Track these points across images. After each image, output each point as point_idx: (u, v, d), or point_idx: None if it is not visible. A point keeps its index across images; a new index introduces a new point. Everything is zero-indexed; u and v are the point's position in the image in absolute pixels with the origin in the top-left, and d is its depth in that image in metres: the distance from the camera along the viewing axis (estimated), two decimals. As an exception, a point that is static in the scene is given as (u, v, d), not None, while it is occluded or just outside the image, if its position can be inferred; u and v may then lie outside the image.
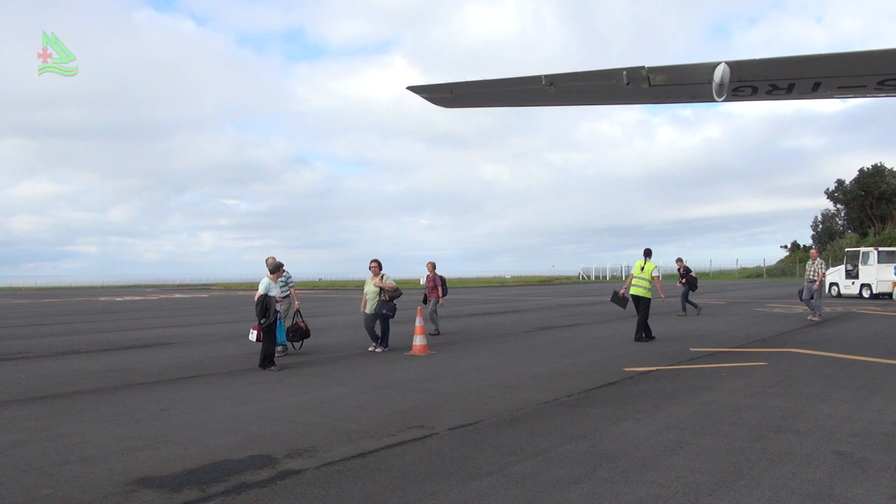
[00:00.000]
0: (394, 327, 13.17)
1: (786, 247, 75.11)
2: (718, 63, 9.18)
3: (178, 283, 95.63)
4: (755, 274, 68.35)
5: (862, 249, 30.22)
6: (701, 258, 79.12)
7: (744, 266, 73.36)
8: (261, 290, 10.38)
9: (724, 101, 10.18)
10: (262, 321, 10.23)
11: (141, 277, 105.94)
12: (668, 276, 37.32)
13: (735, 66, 9.12)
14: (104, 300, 41.54)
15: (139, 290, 66.85)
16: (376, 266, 12.53)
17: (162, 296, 49.65)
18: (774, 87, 9.90)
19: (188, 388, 8.80)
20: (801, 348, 11.82)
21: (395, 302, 12.37)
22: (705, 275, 75.60)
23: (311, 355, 11.87)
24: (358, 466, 5.09)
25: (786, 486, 4.50)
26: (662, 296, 14.11)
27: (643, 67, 9.57)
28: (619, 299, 15.13)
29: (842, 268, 30.65)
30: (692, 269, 22.81)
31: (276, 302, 10.47)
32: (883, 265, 28.22)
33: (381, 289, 12.20)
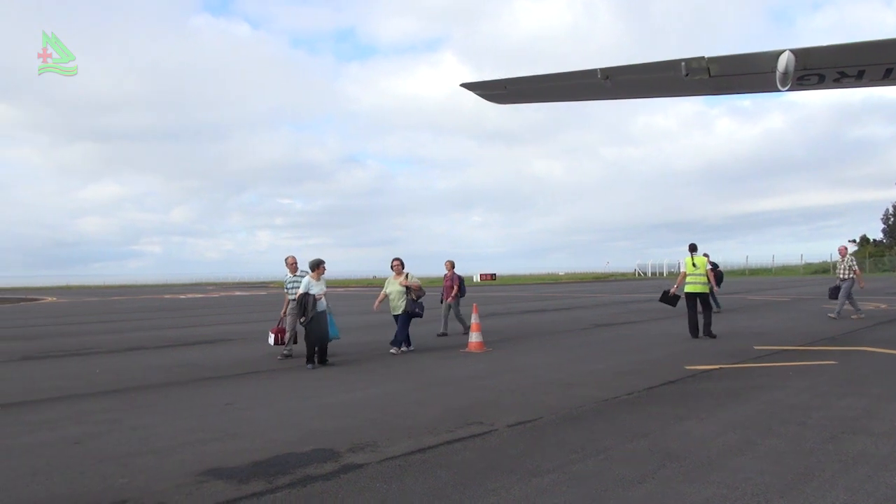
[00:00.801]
0: (422, 326, 13.02)
1: (854, 241, 72.14)
2: (783, 51, 8.89)
3: (237, 280, 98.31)
4: (821, 269, 65.88)
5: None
6: (762, 253, 76.91)
7: (809, 261, 70.79)
8: (301, 289, 10.45)
9: (788, 90, 9.84)
10: (301, 319, 10.37)
11: (202, 275, 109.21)
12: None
13: (801, 54, 8.81)
14: (168, 297, 43.05)
15: (201, 288, 68.98)
16: (399, 265, 12.30)
17: (223, 293, 51.12)
18: (843, 75, 9.52)
19: (251, 384, 9.04)
20: (874, 346, 11.33)
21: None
22: (767, 270, 73.29)
23: (365, 352, 12.02)
24: (419, 461, 5.14)
25: (860, 489, 4.33)
26: (716, 288, 13.78)
27: (703, 58, 9.35)
28: (670, 298, 14.80)
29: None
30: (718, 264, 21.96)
31: (317, 299, 10.43)
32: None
33: (408, 288, 11.99)
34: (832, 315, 16.77)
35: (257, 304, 32.51)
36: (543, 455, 5.24)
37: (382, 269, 12.34)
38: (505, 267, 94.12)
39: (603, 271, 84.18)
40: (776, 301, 24.80)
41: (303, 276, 11.51)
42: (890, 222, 66.07)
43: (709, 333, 12.96)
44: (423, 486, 4.54)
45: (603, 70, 9.86)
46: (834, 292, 17.20)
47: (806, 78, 9.52)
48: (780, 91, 9.84)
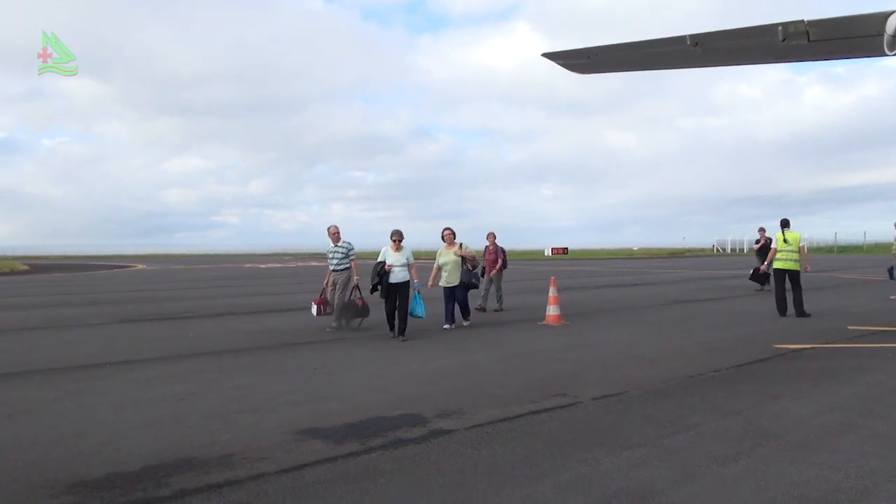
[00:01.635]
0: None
1: (957, 217, 67.22)
2: (893, 11, 8.29)
3: (312, 251, 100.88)
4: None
5: None
6: (853, 230, 72.59)
7: (905, 238, 66.41)
8: (379, 258, 10.32)
9: (895, 54, 9.18)
10: (371, 289, 10.30)
11: (279, 246, 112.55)
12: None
13: (914, 15, 8.18)
14: (249, 267, 44.68)
15: (278, 258, 71.22)
16: (451, 234, 11.80)
17: (299, 263, 52.63)
18: (961, 36, 8.80)
19: (337, 350, 9.33)
20: (983, 329, 10.61)
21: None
22: (858, 248, 69.41)
23: (440, 322, 12.15)
24: (505, 430, 5.20)
25: (978, 476, 4.11)
26: (808, 267, 13.15)
27: (802, 21, 8.82)
28: (760, 276, 14.26)
29: None
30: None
31: (387, 270, 10.13)
32: None
33: (463, 258, 11.59)
34: (894, 297, 15.84)
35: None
36: (632, 428, 5.20)
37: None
38: (576, 241, 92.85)
39: (679, 246, 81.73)
40: (869, 280, 23.51)
41: (344, 247, 11.40)
42: None
43: (801, 312, 12.43)
44: (513, 454, 4.60)
45: (692, 36, 9.45)
46: (892, 272, 16.36)
47: (918, 41, 8.85)
48: (886, 55, 9.20)
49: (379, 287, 10.25)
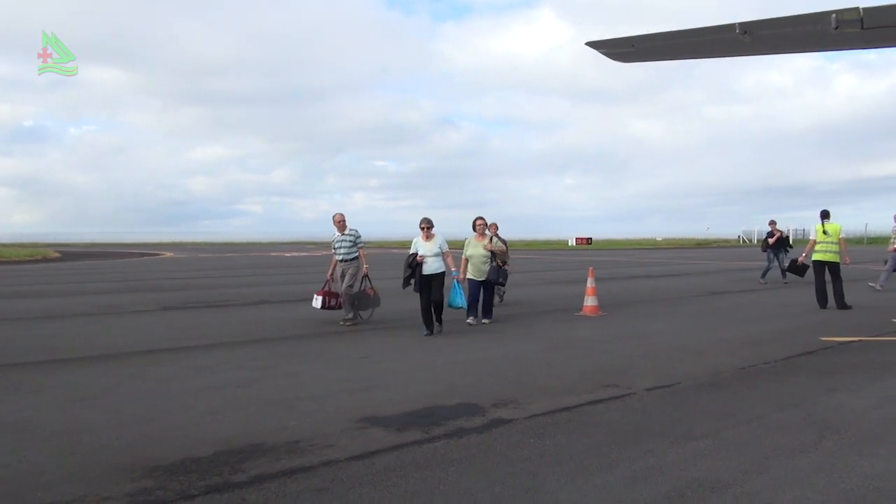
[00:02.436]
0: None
1: None
2: (952, -2, 8.10)
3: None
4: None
5: None
6: (883, 222, 70.99)
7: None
8: (411, 250, 9.83)
9: (952, 42, 8.98)
10: (404, 283, 9.77)
11: (301, 234, 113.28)
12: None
13: (974, 1, 8.00)
14: (275, 255, 45.11)
15: (301, 247, 71.70)
16: (483, 224, 10.94)
17: (323, 252, 52.96)
18: None
19: (380, 339, 9.40)
20: None
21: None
22: (886, 239, 68.12)
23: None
24: (565, 420, 5.23)
25: None
26: (847, 259, 12.94)
27: (857, 9, 8.64)
28: (798, 267, 14.12)
29: None
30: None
31: (419, 262, 9.62)
32: None
33: (493, 252, 10.75)
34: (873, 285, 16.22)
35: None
36: (691, 420, 5.20)
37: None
38: (599, 231, 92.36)
39: (703, 237, 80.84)
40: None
41: (352, 235, 10.75)
42: None
43: (843, 305, 12.27)
44: (578, 444, 4.63)
45: (742, 24, 9.30)
46: (892, 265, 16.56)
47: (975, 28, 8.65)
48: (942, 43, 9.01)
49: (412, 280, 9.70)
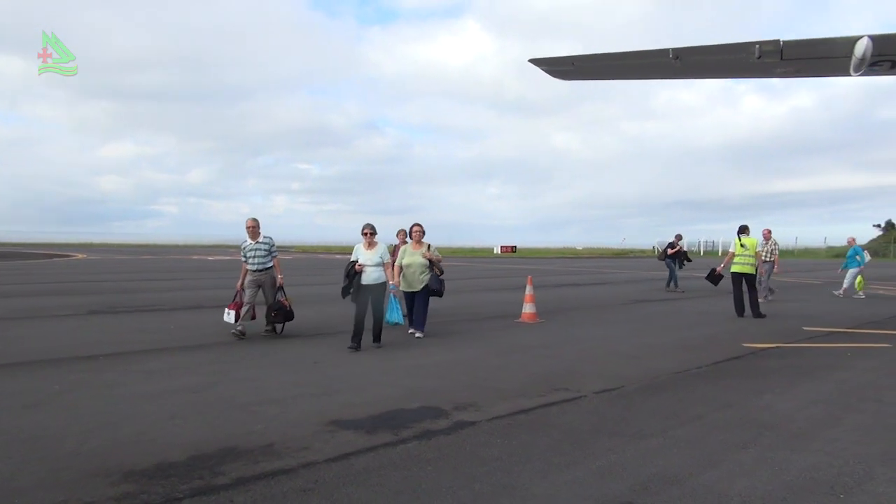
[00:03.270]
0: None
1: (879, 225, 71.57)
2: (860, 37, 8.98)
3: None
4: (843, 253, 65.38)
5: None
6: (786, 234, 75.99)
7: (832, 245, 70.24)
8: (352, 256, 9.30)
9: (859, 75, 9.93)
10: (343, 292, 9.20)
11: (220, 237, 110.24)
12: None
13: (879, 40, 8.90)
14: (197, 258, 43.70)
15: (223, 250, 69.73)
16: (420, 231, 10.30)
17: (247, 256, 51.68)
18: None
19: (326, 344, 9.41)
20: (922, 332, 11.55)
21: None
22: (790, 253, 72.86)
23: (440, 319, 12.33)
24: (525, 421, 5.49)
25: (956, 462, 4.63)
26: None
27: (778, 41, 9.45)
28: (715, 277, 15.08)
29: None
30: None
31: (358, 270, 9.07)
32: None
33: (431, 262, 10.22)
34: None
35: (287, 269, 32.96)
36: (642, 420, 5.57)
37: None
38: (521, 239, 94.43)
39: (620, 247, 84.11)
40: (808, 284, 24.93)
41: (267, 243, 10.09)
42: (916, 208, 65.47)
43: (758, 314, 13.21)
44: (542, 443, 4.89)
45: (674, 50, 9.98)
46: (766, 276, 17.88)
47: (879, 63, 9.59)
48: (850, 76, 9.94)
49: (350, 290, 9.13)
